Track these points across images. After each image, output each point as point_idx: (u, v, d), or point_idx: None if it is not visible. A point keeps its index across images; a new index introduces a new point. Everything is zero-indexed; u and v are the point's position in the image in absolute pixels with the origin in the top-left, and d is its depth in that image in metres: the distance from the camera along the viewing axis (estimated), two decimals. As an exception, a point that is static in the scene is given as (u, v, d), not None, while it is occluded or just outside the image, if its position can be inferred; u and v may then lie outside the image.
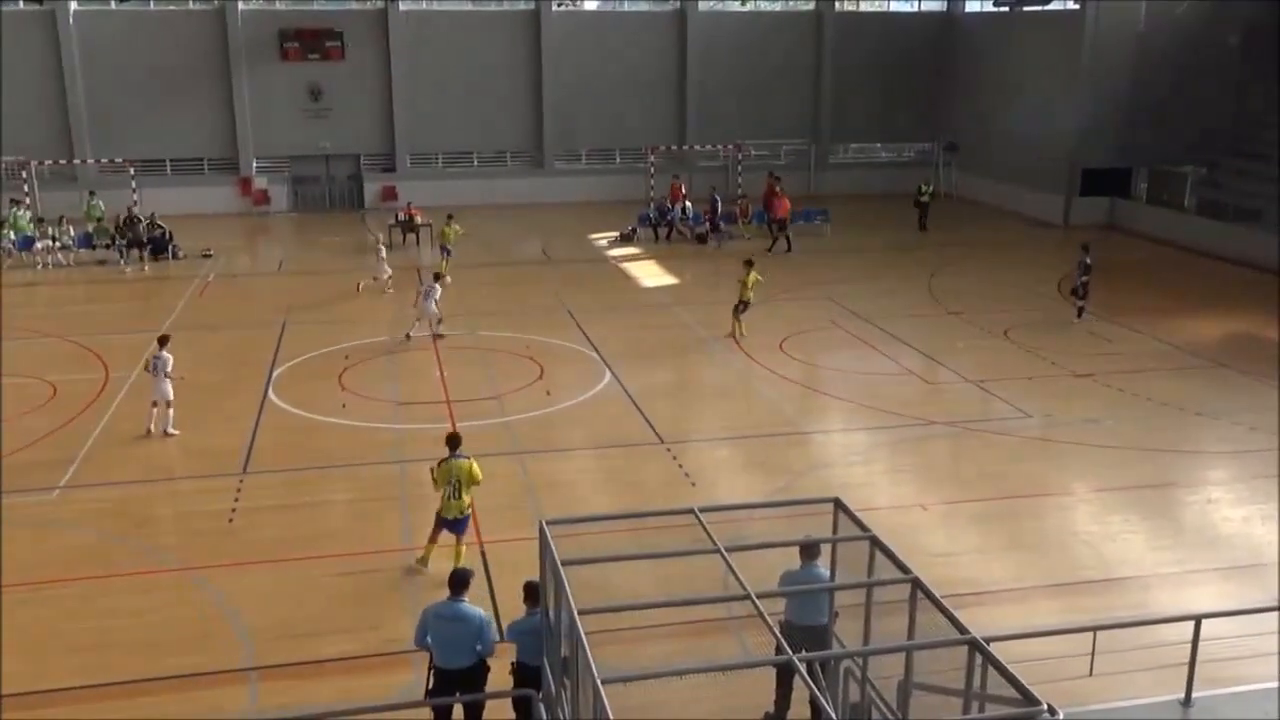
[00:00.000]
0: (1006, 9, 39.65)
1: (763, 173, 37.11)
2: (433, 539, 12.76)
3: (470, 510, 12.73)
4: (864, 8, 43.81)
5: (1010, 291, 27.18)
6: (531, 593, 9.18)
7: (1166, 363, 21.53)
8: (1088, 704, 9.27)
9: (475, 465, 12.61)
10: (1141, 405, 19.02)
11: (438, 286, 23.16)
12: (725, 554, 7.76)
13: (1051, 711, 5.91)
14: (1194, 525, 14.65)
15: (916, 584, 7.40)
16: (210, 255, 31.14)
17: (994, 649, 6.68)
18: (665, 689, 9.03)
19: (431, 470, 12.69)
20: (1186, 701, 9.47)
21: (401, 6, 38.84)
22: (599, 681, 6.21)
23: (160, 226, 31.14)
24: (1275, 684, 9.89)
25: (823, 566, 9.28)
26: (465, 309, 25.13)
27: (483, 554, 13.21)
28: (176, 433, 17.09)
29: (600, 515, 9.79)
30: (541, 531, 8.00)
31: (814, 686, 6.71)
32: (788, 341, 22.60)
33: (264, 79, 38.30)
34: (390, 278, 26.65)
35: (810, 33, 42.34)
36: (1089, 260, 24.10)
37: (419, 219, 33.00)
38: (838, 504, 8.67)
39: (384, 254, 27.13)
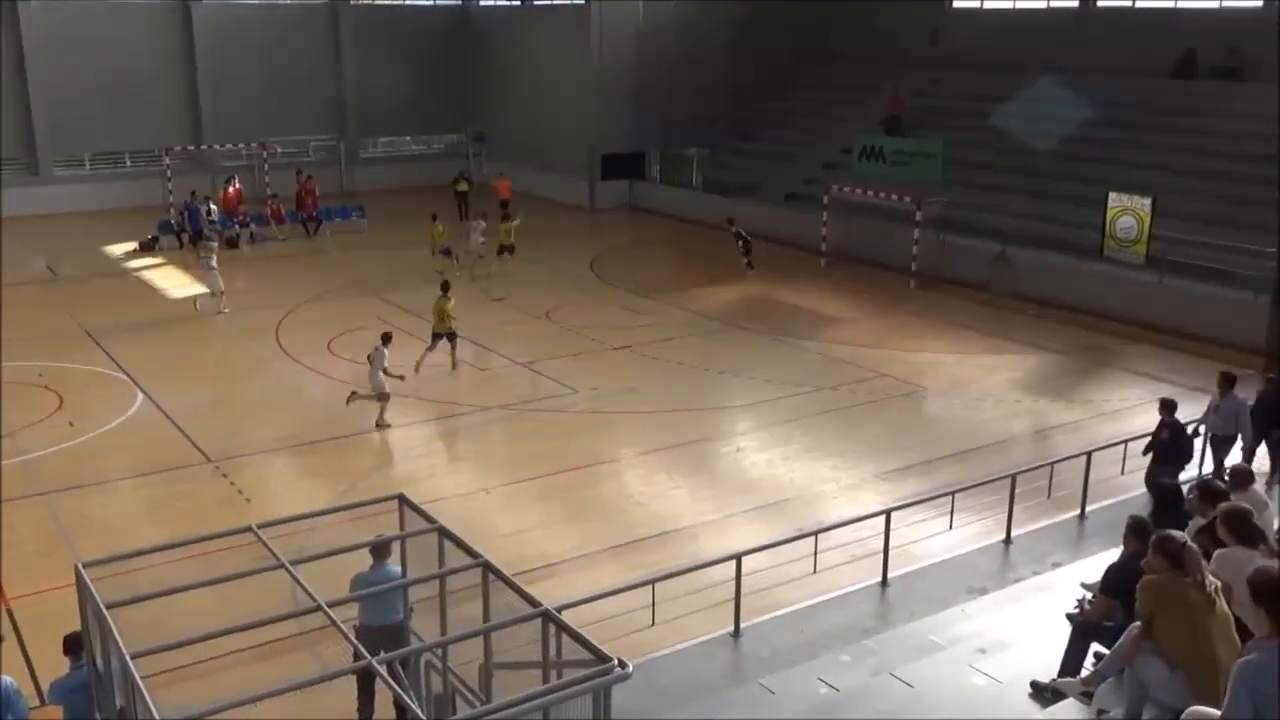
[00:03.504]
0: (519, 2, 41.08)
1: (292, 171, 35.80)
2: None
3: (451, 329, 19.80)
4: (379, 0, 43.44)
5: (547, 274, 28.36)
6: (73, 645, 8.32)
7: (691, 329, 23.53)
8: (654, 651, 9.97)
9: (448, 305, 19.86)
10: (674, 370, 20.68)
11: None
12: (289, 568, 7.46)
13: (622, 665, 6.25)
14: (727, 474, 16.20)
15: (486, 566, 7.54)
16: None
17: (566, 616, 6.99)
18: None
19: None
20: (736, 633, 10.48)
21: None
22: (162, 726, 5.76)
23: None
24: (807, 603, 11.21)
25: (394, 565, 9.20)
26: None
27: (10, 614, 11.74)
28: (389, 424, 17.57)
29: (146, 549, 8.93)
30: (78, 575, 7.24)
31: (395, 686, 6.65)
32: (335, 341, 22.07)
33: None
34: None
35: (328, 26, 41.35)
36: (736, 229, 27.61)
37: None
38: (402, 499, 8.62)
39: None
